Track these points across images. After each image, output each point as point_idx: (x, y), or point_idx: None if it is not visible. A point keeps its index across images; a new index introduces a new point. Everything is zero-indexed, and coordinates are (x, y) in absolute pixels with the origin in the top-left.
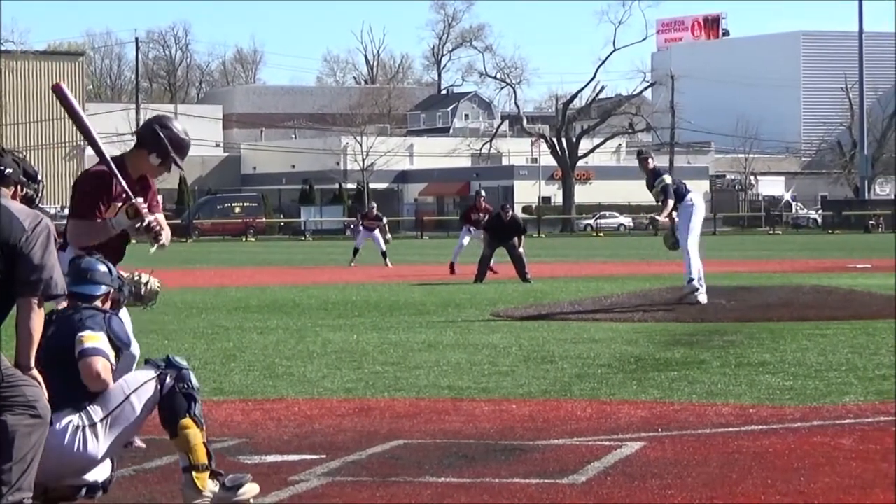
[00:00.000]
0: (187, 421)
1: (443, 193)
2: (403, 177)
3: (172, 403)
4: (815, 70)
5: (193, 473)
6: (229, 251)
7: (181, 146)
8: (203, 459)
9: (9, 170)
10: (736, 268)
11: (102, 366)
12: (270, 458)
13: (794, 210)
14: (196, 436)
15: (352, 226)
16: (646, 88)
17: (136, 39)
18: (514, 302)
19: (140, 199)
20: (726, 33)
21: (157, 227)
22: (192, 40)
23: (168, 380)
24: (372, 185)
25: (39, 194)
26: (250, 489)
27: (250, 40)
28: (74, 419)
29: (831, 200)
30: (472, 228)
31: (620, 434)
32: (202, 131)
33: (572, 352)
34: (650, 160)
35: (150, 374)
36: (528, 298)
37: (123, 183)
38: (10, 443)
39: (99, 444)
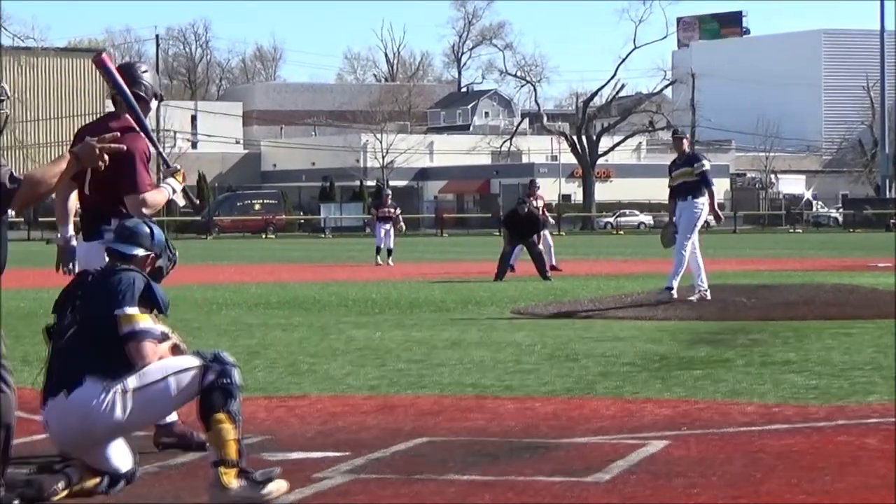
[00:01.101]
0: (222, 415)
1: (462, 191)
2: (423, 174)
3: (211, 397)
4: (836, 68)
5: (221, 469)
6: (249, 248)
7: (157, 80)
8: (233, 456)
9: None
10: (756, 266)
11: (151, 350)
12: (294, 455)
13: (814, 208)
14: (229, 431)
15: (364, 221)
16: (666, 86)
17: (157, 36)
18: (535, 300)
19: (177, 165)
20: (747, 31)
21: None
22: (212, 37)
23: (211, 375)
24: (392, 183)
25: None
26: (278, 486)
27: (270, 37)
28: (106, 384)
29: (852, 199)
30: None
31: (644, 432)
32: (222, 128)
33: (596, 350)
34: (685, 140)
35: (196, 362)
36: (549, 296)
37: (164, 153)
38: None
39: (126, 412)
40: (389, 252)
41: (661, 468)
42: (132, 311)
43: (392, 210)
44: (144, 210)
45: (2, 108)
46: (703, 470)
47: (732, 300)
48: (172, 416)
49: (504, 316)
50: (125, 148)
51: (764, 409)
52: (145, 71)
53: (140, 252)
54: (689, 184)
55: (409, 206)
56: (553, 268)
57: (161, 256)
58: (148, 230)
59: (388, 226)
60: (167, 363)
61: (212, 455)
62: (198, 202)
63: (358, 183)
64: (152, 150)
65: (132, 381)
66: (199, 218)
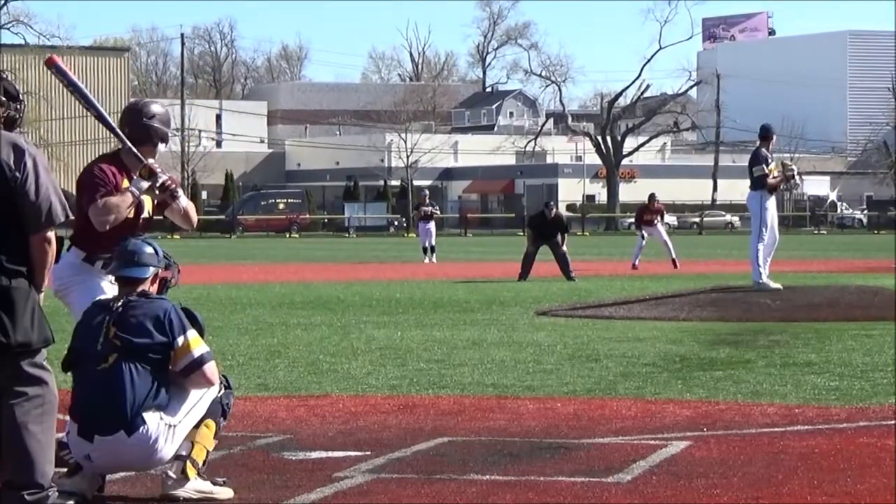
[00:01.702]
0: (212, 423)
1: (487, 191)
2: (448, 174)
3: (210, 406)
4: (861, 70)
5: (188, 463)
6: (273, 247)
7: (169, 120)
8: (201, 459)
9: None
10: (781, 267)
11: (215, 370)
12: (315, 455)
13: (839, 210)
14: (210, 439)
15: (388, 220)
16: (691, 87)
17: (182, 35)
18: (559, 300)
19: (151, 160)
20: (772, 32)
21: (172, 185)
22: (237, 37)
23: (220, 392)
24: (416, 183)
25: (21, 114)
26: (226, 491)
27: (296, 37)
28: (162, 420)
29: (877, 200)
30: (645, 231)
31: (666, 433)
32: (247, 127)
33: (617, 350)
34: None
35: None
36: (573, 297)
37: (129, 144)
38: (22, 437)
39: (173, 445)
40: (433, 249)
41: (683, 469)
42: (191, 337)
43: (432, 208)
44: (105, 217)
45: (17, 109)
46: (725, 471)
47: (756, 301)
48: None
49: (527, 316)
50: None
51: (785, 411)
52: (153, 115)
53: (149, 271)
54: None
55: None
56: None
57: (169, 269)
58: (150, 248)
59: (429, 225)
60: (195, 393)
61: (182, 448)
62: (174, 198)
63: (382, 183)
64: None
65: (175, 412)
66: (222, 216)
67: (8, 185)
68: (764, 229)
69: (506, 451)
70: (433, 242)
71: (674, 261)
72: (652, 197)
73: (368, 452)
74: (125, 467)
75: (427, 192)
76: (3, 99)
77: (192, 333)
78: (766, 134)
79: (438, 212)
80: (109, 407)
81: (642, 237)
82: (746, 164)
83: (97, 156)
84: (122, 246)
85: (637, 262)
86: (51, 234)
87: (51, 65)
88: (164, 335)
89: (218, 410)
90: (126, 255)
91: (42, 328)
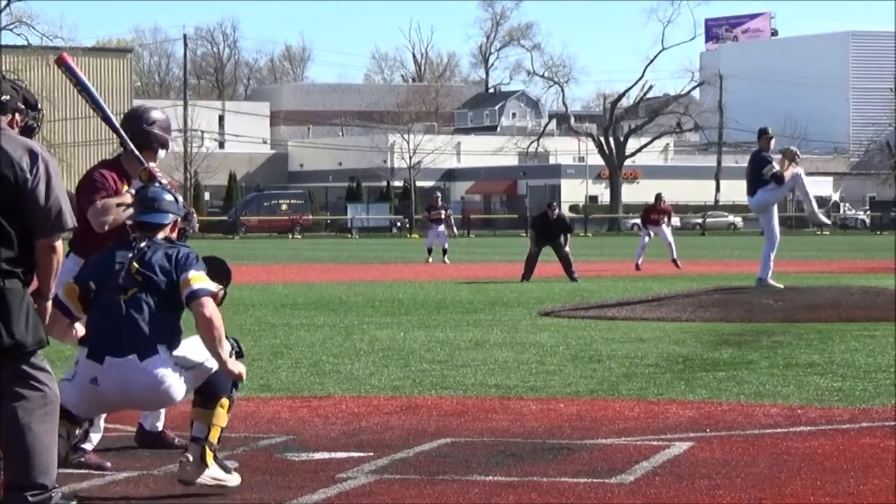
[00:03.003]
0: (226, 401)
1: (489, 192)
2: (450, 175)
3: (221, 379)
4: (864, 70)
5: (206, 447)
6: (276, 248)
7: (169, 126)
8: (216, 441)
9: (5, 97)
10: (783, 268)
11: (212, 305)
12: (318, 456)
13: (842, 211)
14: (223, 418)
15: (389, 221)
16: (694, 88)
17: (185, 36)
18: (562, 301)
19: (152, 164)
20: (775, 33)
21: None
22: (240, 37)
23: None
24: (419, 183)
25: (39, 123)
26: (236, 479)
27: (299, 37)
28: (175, 359)
29: (879, 201)
30: (651, 230)
31: (668, 434)
32: (249, 128)
33: (620, 351)
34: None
35: (227, 348)
36: (575, 297)
37: (132, 146)
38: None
39: (180, 388)
40: (444, 251)
41: (685, 469)
42: (194, 273)
43: (444, 211)
44: (103, 218)
45: (35, 118)
46: (728, 471)
47: (759, 302)
48: (160, 425)
49: (530, 317)
50: None
51: (788, 411)
52: (153, 122)
53: (169, 218)
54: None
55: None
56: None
57: (187, 219)
58: (170, 196)
59: (441, 227)
60: (204, 349)
61: (198, 431)
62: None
63: (385, 183)
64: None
65: (184, 362)
66: (225, 217)
67: (18, 185)
68: (776, 231)
69: (509, 451)
70: (446, 245)
71: (675, 261)
72: (659, 197)
73: (371, 453)
74: (129, 397)
75: (439, 193)
76: (23, 107)
77: (197, 272)
78: (764, 135)
79: (450, 216)
80: (125, 331)
81: (648, 236)
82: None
83: (99, 161)
84: (142, 193)
85: (640, 263)
86: (57, 242)
87: (61, 63)
88: (176, 272)
89: (229, 385)
90: (146, 202)
91: (37, 330)
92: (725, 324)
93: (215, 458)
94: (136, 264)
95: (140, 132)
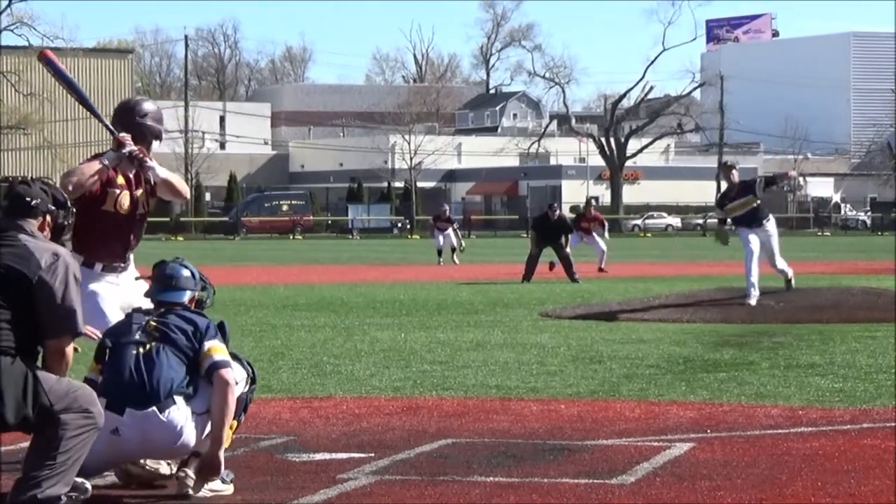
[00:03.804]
0: (234, 423)
1: (490, 192)
2: (451, 176)
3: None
4: (865, 71)
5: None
6: (277, 249)
7: (161, 117)
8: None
9: (36, 200)
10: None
11: (233, 376)
12: (319, 456)
13: (842, 212)
14: (228, 438)
15: (390, 222)
16: (695, 89)
17: (186, 37)
18: (563, 302)
19: (124, 134)
20: (776, 34)
21: (141, 154)
22: (241, 38)
23: (247, 386)
24: (420, 184)
25: (70, 220)
26: (230, 488)
27: (300, 38)
28: (188, 406)
29: (880, 202)
30: (583, 236)
31: (669, 435)
32: (250, 129)
33: (620, 352)
34: (735, 171)
35: (244, 375)
36: (576, 298)
37: (108, 124)
38: (60, 438)
39: (197, 435)
40: (453, 250)
41: (686, 470)
42: (215, 344)
43: (451, 225)
44: (69, 179)
45: (65, 216)
46: (728, 472)
47: (760, 303)
48: None
49: (531, 318)
50: None
51: (789, 412)
52: (145, 114)
53: (186, 296)
54: (755, 211)
55: (436, 207)
56: (550, 265)
57: (204, 290)
58: (187, 271)
59: (448, 231)
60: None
61: (202, 447)
62: (143, 167)
63: (386, 184)
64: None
65: (200, 404)
66: (226, 218)
67: (33, 284)
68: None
69: (509, 452)
70: (454, 244)
71: (602, 269)
72: (588, 204)
73: (372, 454)
74: (149, 448)
75: (447, 207)
76: (53, 208)
77: (215, 343)
78: (726, 167)
79: (456, 227)
80: (144, 384)
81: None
82: (750, 165)
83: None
84: (160, 269)
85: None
86: (68, 348)
87: (42, 58)
88: (196, 340)
89: (240, 409)
90: (164, 280)
91: (20, 408)
92: (726, 325)
93: None
94: (153, 322)
95: (133, 124)
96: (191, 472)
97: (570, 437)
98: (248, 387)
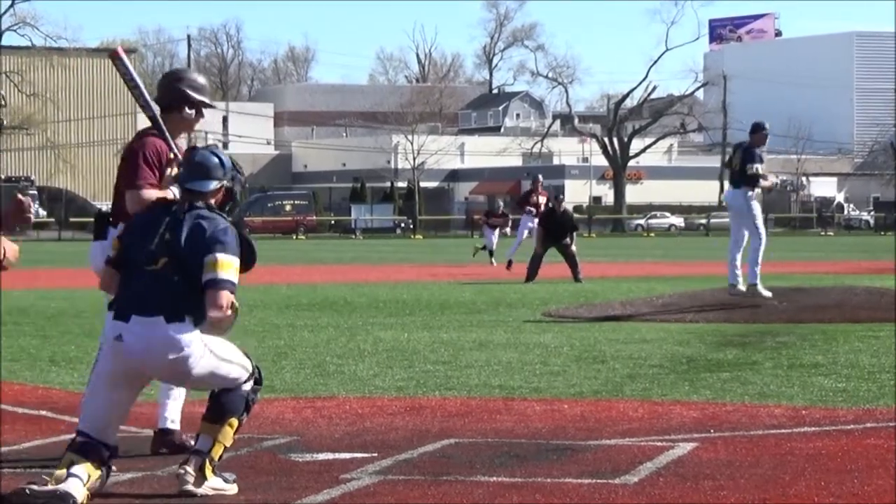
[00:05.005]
0: (235, 422)
1: (493, 192)
2: (454, 175)
3: (237, 399)
4: (868, 71)
5: (206, 461)
6: (280, 249)
7: (203, 88)
8: (217, 458)
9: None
10: (787, 269)
11: (227, 301)
12: (322, 456)
13: (846, 211)
14: (230, 437)
15: (403, 224)
16: (698, 88)
17: (189, 37)
18: (566, 302)
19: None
20: (779, 34)
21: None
22: (244, 38)
23: (249, 385)
24: (423, 184)
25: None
26: (233, 488)
27: (303, 38)
28: (198, 331)
29: (883, 202)
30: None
31: (672, 434)
32: (253, 129)
33: (624, 352)
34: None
35: (250, 368)
36: (580, 298)
37: (175, 149)
38: None
39: (201, 371)
40: (491, 252)
41: (689, 470)
42: (224, 259)
43: (503, 218)
44: (137, 208)
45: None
46: (732, 472)
47: (763, 303)
48: (175, 424)
49: (534, 318)
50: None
51: (792, 412)
52: (181, 79)
53: (214, 185)
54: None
55: (439, 207)
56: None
57: (234, 180)
58: (217, 160)
59: (497, 230)
60: (235, 350)
61: (203, 445)
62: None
63: (389, 184)
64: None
65: (214, 346)
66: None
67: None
68: (759, 229)
69: (512, 452)
70: (493, 247)
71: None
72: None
73: (375, 454)
74: (150, 359)
75: (502, 203)
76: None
77: (227, 257)
78: (756, 130)
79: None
80: (152, 296)
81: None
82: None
83: (143, 130)
84: (189, 156)
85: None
86: None
87: (115, 57)
88: (206, 249)
89: (242, 406)
90: (192, 166)
91: None
92: (729, 324)
93: (214, 471)
94: (168, 233)
95: (168, 90)
96: (191, 470)
97: (574, 436)
98: (251, 386)
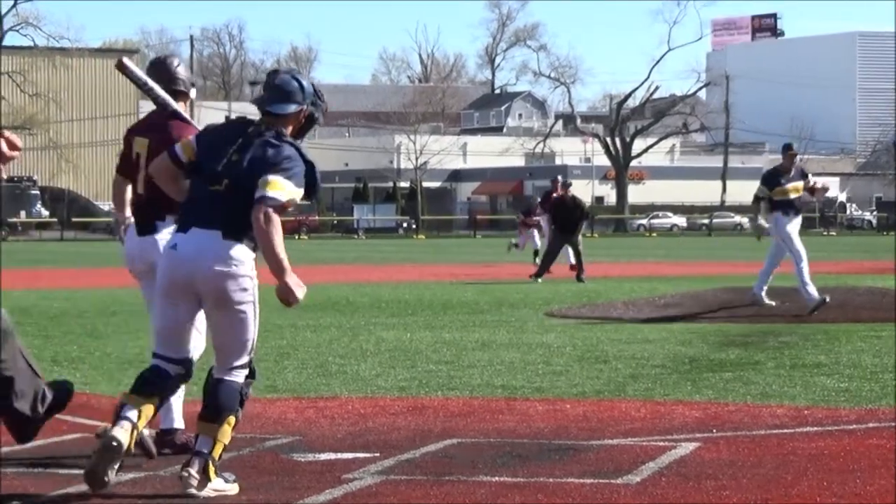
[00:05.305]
0: (232, 418)
1: (496, 192)
2: (456, 175)
3: (231, 394)
4: (870, 71)
5: (209, 461)
6: None
7: (187, 70)
8: (218, 457)
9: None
10: (789, 269)
11: (265, 216)
12: (324, 456)
13: (848, 211)
14: (229, 434)
15: (405, 224)
16: (700, 88)
17: (191, 37)
18: (568, 302)
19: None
20: (781, 33)
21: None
22: (246, 38)
23: (241, 377)
24: (425, 184)
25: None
26: (235, 487)
27: (305, 38)
28: (251, 261)
29: (886, 202)
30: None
31: (675, 434)
32: None
33: (626, 352)
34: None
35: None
36: (582, 298)
37: (187, 116)
38: None
39: (241, 303)
40: (536, 253)
41: (692, 470)
42: (276, 178)
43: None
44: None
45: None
46: (734, 472)
47: (765, 303)
48: (179, 423)
49: (536, 317)
50: None
51: (794, 412)
52: (178, 64)
53: (293, 108)
54: (796, 199)
55: (441, 207)
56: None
57: (315, 105)
58: (297, 84)
59: (535, 230)
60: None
61: (203, 445)
62: None
63: (391, 184)
64: None
65: (256, 309)
66: None
67: None
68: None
69: (515, 452)
70: (536, 246)
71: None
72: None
73: (377, 454)
74: (199, 270)
75: (539, 200)
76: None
77: (281, 179)
78: (787, 151)
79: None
80: (215, 214)
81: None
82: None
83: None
84: (269, 79)
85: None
86: None
87: (122, 67)
88: (264, 173)
89: (237, 402)
90: (272, 89)
91: None
92: (731, 324)
93: (216, 472)
94: (234, 156)
95: (174, 80)
96: (194, 472)
97: (576, 436)
98: (244, 379)
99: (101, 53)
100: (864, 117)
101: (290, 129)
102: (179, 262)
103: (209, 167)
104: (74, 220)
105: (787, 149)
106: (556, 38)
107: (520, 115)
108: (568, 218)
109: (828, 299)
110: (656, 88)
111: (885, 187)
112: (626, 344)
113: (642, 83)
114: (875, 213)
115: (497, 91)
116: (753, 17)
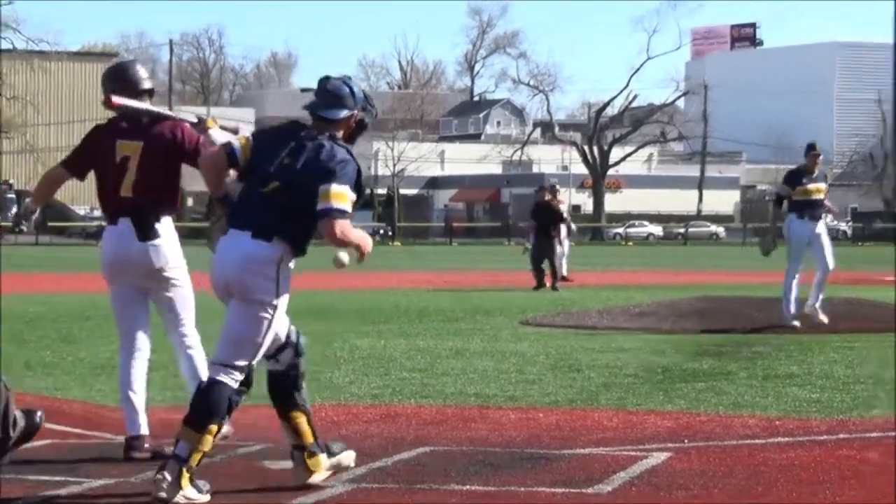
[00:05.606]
0: (215, 428)
1: (473, 200)
2: (434, 183)
3: (221, 401)
4: (848, 81)
5: (184, 469)
6: None
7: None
8: (195, 465)
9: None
10: (765, 279)
11: (340, 229)
12: None
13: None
14: (209, 444)
15: (382, 231)
16: (679, 97)
17: (171, 42)
18: (543, 310)
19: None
20: (760, 43)
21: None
22: (226, 43)
23: (235, 383)
24: (402, 191)
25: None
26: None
27: (285, 44)
28: (279, 261)
29: (862, 212)
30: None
31: (646, 444)
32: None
33: (600, 361)
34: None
35: (256, 361)
36: (557, 306)
37: (188, 119)
38: None
39: (267, 297)
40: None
41: (663, 480)
42: (338, 189)
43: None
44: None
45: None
46: (705, 482)
47: (740, 312)
48: (144, 429)
49: (511, 326)
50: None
51: (766, 423)
52: (136, 65)
53: (344, 113)
54: (821, 201)
55: (418, 214)
56: (563, 278)
57: (366, 111)
58: (348, 90)
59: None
60: (270, 339)
61: (182, 451)
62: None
63: (368, 191)
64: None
65: (281, 304)
66: (207, 224)
67: None
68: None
69: (487, 461)
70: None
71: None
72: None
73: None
74: (231, 276)
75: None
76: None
77: (340, 187)
78: (810, 151)
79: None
80: (255, 215)
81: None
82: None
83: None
84: (322, 84)
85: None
86: None
87: (111, 106)
88: (321, 179)
89: (224, 410)
90: (323, 95)
91: None
92: (705, 334)
93: (191, 479)
94: (287, 159)
95: (141, 81)
96: (168, 476)
97: (548, 445)
98: (237, 386)
99: (79, 57)
100: (841, 128)
101: (341, 133)
102: (214, 267)
103: (262, 169)
104: (50, 224)
105: (810, 149)
106: (536, 45)
107: (498, 123)
108: (546, 217)
109: (798, 326)
110: (635, 97)
111: (861, 198)
112: (600, 353)
113: (621, 91)
114: (850, 223)
115: (476, 98)
116: (733, 27)
